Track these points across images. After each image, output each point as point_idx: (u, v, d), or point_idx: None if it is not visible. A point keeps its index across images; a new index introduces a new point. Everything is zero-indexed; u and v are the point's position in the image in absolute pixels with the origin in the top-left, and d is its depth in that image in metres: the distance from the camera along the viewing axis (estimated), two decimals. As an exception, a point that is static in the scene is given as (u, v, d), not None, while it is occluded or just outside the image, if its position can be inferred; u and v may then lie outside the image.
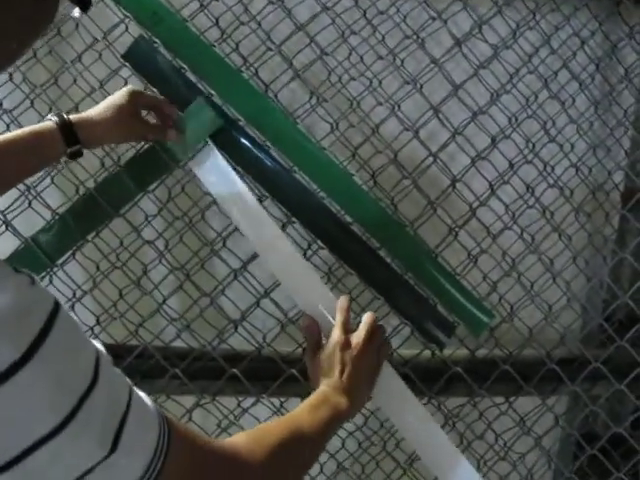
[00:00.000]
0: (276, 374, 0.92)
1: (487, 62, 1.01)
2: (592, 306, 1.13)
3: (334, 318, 0.76)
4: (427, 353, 0.95)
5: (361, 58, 0.99)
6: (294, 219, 0.90)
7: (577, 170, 1.06)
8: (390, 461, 1.01)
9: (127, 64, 0.89)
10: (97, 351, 0.42)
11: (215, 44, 0.92)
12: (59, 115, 0.74)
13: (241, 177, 0.87)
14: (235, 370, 0.89)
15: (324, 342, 0.75)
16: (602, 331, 1.08)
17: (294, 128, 0.92)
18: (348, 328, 0.74)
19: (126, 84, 0.92)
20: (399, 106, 0.98)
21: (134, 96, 0.77)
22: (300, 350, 0.95)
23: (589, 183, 1.07)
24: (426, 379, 0.95)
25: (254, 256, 0.91)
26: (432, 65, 0.99)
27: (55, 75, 0.90)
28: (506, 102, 1.04)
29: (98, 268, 0.92)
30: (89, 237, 0.90)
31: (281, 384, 0.91)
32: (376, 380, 0.76)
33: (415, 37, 0.98)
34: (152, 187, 0.91)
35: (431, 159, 0.98)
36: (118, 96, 0.77)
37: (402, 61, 0.99)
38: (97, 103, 0.91)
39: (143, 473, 0.42)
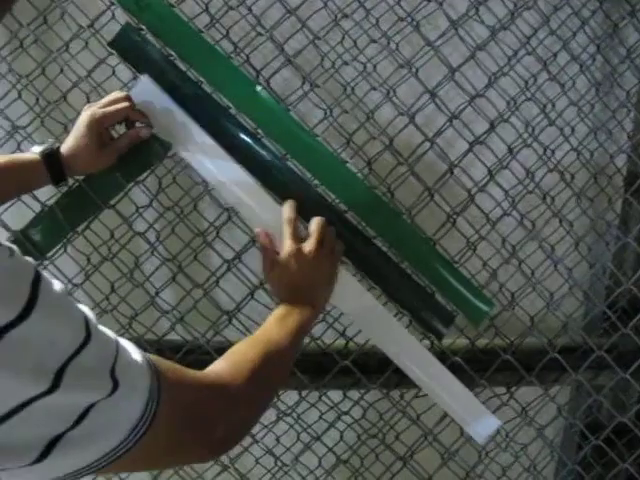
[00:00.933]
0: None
1: (484, 44, 0.98)
2: (595, 293, 1.10)
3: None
4: (426, 343, 0.93)
5: (354, 42, 0.97)
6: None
7: (578, 154, 1.03)
8: (389, 454, 1.00)
9: (114, 52, 0.87)
10: (85, 313, 0.43)
11: (204, 30, 0.90)
12: (47, 154, 0.76)
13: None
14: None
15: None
16: (605, 319, 1.06)
17: (286, 115, 0.89)
18: (298, 237, 0.77)
19: (114, 72, 0.90)
20: (394, 91, 0.95)
21: (95, 124, 0.76)
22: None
23: (590, 167, 1.04)
24: (425, 369, 0.93)
25: (248, 247, 0.90)
26: (428, 48, 0.96)
27: (42, 65, 0.88)
28: (504, 85, 1.01)
29: (89, 261, 0.91)
30: (80, 229, 0.89)
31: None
32: (335, 280, 0.79)
33: (410, 20, 0.95)
34: (142, 177, 0.89)
35: (428, 145, 0.95)
36: (81, 127, 0.77)
37: (397, 45, 0.96)
38: (85, 93, 0.91)
39: (141, 413, 0.43)
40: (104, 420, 0.41)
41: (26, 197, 0.89)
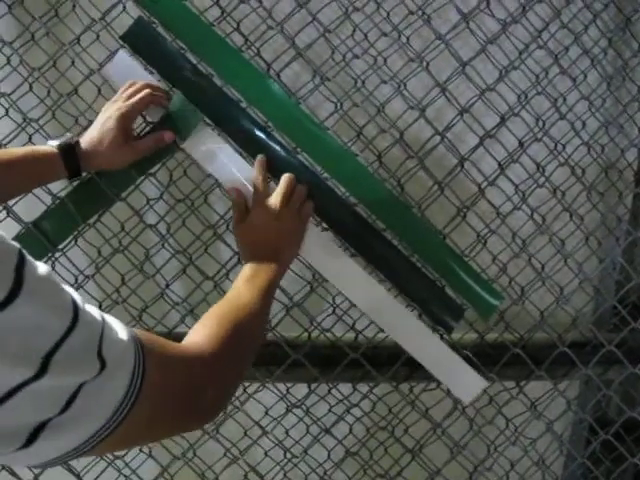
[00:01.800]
0: (281, 359, 0.90)
1: (495, 38, 0.98)
2: (605, 288, 1.10)
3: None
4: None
5: (365, 35, 0.97)
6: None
7: (589, 148, 1.03)
8: (398, 447, 1.00)
9: (126, 45, 0.87)
10: (71, 295, 0.42)
11: (215, 23, 0.90)
12: (65, 148, 0.76)
13: (241, 156, 0.86)
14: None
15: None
16: (615, 314, 1.06)
17: (297, 109, 0.90)
18: (265, 194, 0.79)
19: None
20: (405, 84, 0.95)
21: (122, 120, 0.78)
22: (306, 335, 0.94)
23: (601, 162, 1.04)
24: (434, 363, 0.93)
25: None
26: (438, 42, 0.96)
27: (53, 58, 0.89)
28: (515, 79, 1.01)
29: (100, 253, 0.91)
30: (91, 222, 0.89)
31: (286, 369, 0.90)
32: (302, 237, 0.82)
33: (420, 13, 0.95)
34: (154, 170, 0.89)
35: (438, 139, 0.95)
36: (108, 124, 0.78)
37: (407, 38, 0.96)
38: (96, 86, 0.91)
39: (126, 391, 0.43)
40: (90, 402, 0.41)
41: (38, 189, 0.89)
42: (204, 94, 0.87)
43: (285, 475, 0.99)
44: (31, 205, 0.89)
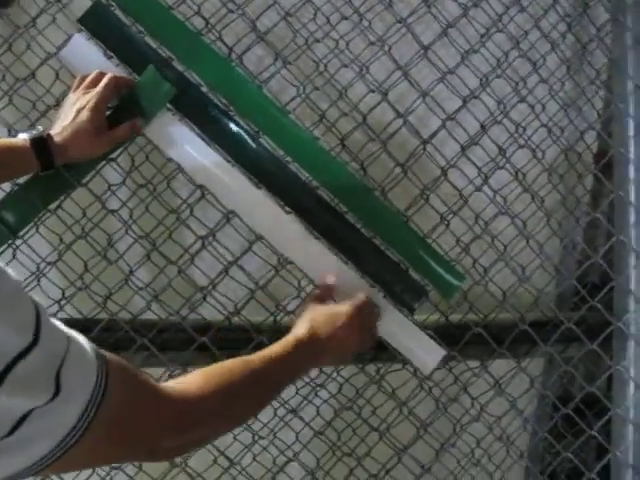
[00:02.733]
0: (247, 343, 0.91)
1: (456, 22, 0.99)
2: (566, 268, 1.13)
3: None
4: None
5: (327, 19, 0.97)
6: (261, 185, 0.89)
7: (549, 131, 1.05)
8: (367, 427, 1.01)
9: (83, 29, 0.86)
10: (36, 306, 0.41)
11: (175, 7, 0.89)
12: (37, 141, 0.75)
13: (204, 142, 0.86)
14: (205, 339, 0.88)
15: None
16: (576, 293, 1.09)
17: (259, 92, 0.90)
18: (361, 311, 0.81)
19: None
20: (367, 68, 0.96)
21: (95, 112, 0.77)
22: (271, 319, 0.94)
23: (561, 144, 1.06)
24: (399, 344, 0.94)
25: (221, 223, 0.90)
26: (400, 25, 0.96)
27: (8, 40, 0.87)
28: (477, 63, 1.02)
29: (62, 240, 0.90)
30: (52, 208, 0.88)
31: (252, 351, 0.90)
32: (343, 359, 0.86)
33: (381, -2, 0.96)
34: (115, 155, 0.88)
35: (400, 122, 0.96)
36: (81, 117, 0.77)
37: (369, 22, 0.97)
38: (54, 70, 0.90)
39: (78, 419, 0.42)
40: (40, 426, 0.40)
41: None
42: (164, 78, 0.86)
43: (254, 458, 1.00)
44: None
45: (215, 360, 0.88)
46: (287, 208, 0.89)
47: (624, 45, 1.08)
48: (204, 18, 0.91)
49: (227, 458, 0.98)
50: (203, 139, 0.87)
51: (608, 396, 1.06)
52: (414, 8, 0.99)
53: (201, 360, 0.91)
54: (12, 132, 0.88)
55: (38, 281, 0.90)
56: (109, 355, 0.47)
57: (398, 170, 0.95)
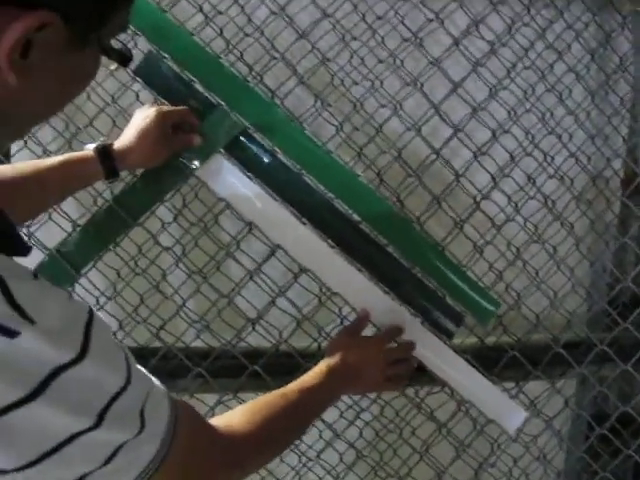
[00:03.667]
0: (294, 369, 0.95)
1: (484, 60, 1.04)
2: (596, 290, 1.16)
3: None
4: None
5: (362, 60, 1.02)
6: (304, 220, 0.94)
7: (576, 159, 1.09)
8: (407, 448, 1.05)
9: (138, 79, 0.92)
10: (125, 351, 0.46)
11: (221, 55, 0.96)
12: (101, 150, 0.79)
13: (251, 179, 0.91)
14: (256, 367, 0.93)
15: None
16: (607, 314, 1.12)
17: (301, 132, 0.95)
18: (390, 342, 0.88)
19: (138, 98, 0.96)
20: (401, 105, 1.01)
21: (162, 119, 0.82)
22: (315, 345, 0.99)
23: (589, 171, 1.10)
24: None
25: (268, 256, 0.95)
26: (432, 64, 1.02)
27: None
28: (504, 96, 1.07)
29: (119, 275, 0.96)
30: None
31: (299, 377, 0.95)
32: (368, 392, 0.92)
33: (413, 39, 1.01)
34: (167, 196, 0.94)
35: (434, 155, 1.01)
36: (146, 121, 0.81)
37: (402, 62, 1.02)
38: (111, 118, 0.96)
39: (154, 456, 0.46)
40: (126, 459, 0.44)
41: (56, 216, 0.94)
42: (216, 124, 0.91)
43: (300, 479, 1.05)
44: (51, 231, 0.95)
45: (265, 386, 0.94)
46: (330, 242, 0.94)
47: (647, 73, 1.12)
48: (248, 65, 0.97)
49: (275, 478, 1.03)
50: (249, 177, 0.93)
51: (642, 414, 1.09)
52: (443, 45, 1.04)
53: (251, 386, 0.96)
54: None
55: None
56: (176, 399, 0.51)
57: (434, 201, 0.99)
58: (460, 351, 0.99)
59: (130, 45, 0.95)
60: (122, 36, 0.95)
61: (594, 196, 1.10)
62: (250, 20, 0.97)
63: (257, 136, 0.94)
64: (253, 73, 0.97)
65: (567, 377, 1.08)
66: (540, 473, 1.10)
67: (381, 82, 1.02)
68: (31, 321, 0.38)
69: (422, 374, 0.98)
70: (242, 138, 0.93)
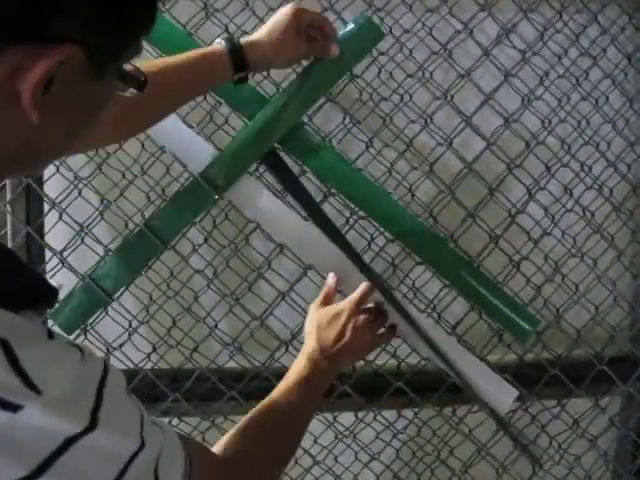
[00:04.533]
0: (329, 390, 0.94)
1: (516, 69, 1.01)
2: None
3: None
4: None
5: (390, 74, 1.01)
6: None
7: (615, 168, 1.05)
8: (445, 469, 1.03)
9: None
10: (140, 409, 0.44)
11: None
12: (229, 40, 0.75)
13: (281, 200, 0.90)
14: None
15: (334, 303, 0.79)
16: (652, 328, 1.08)
17: (329, 149, 0.94)
18: (361, 303, 0.78)
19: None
20: (431, 119, 0.99)
21: (298, 15, 0.77)
22: (350, 368, 0.97)
23: (629, 180, 1.06)
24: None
25: (300, 276, 0.94)
26: (461, 73, 0.99)
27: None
28: (538, 105, 1.04)
29: (151, 298, 0.96)
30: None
31: (334, 399, 0.93)
32: (362, 357, 0.82)
33: (442, 50, 0.99)
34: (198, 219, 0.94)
35: (466, 169, 0.99)
36: (282, 17, 0.77)
37: (431, 74, 1.00)
38: (140, 142, 0.96)
39: None
40: None
41: (88, 241, 0.95)
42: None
43: (336, 501, 1.03)
44: (84, 256, 0.95)
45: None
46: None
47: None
48: (275, 83, 0.96)
49: (311, 501, 1.01)
50: (279, 197, 0.92)
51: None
52: (473, 55, 1.02)
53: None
54: (104, 201, 0.95)
55: (129, 336, 0.96)
56: (189, 441, 0.50)
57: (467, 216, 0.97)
58: (498, 368, 0.97)
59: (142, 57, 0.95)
60: (145, 56, 0.95)
61: (635, 206, 1.06)
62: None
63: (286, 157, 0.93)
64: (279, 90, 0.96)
65: (611, 395, 1.05)
66: (586, 494, 1.06)
67: (410, 96, 1.00)
68: (37, 391, 0.36)
69: (460, 393, 0.96)
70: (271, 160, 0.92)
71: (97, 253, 0.95)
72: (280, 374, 0.95)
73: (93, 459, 0.39)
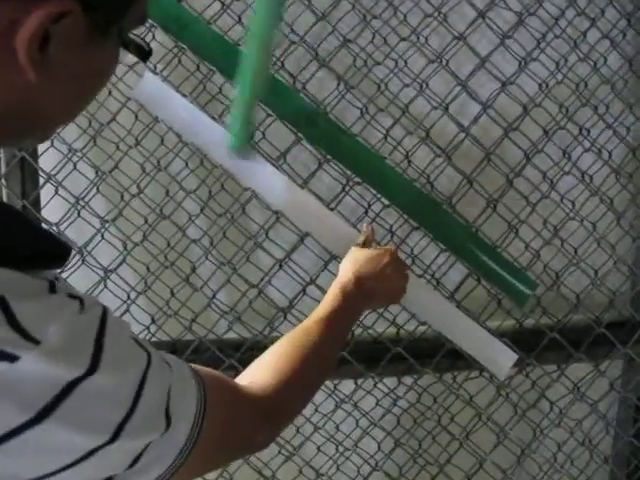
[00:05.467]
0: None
1: (512, 31, 1.00)
2: (640, 267, 1.11)
3: None
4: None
5: (384, 40, 0.99)
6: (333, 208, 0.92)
7: (614, 131, 1.04)
8: (446, 435, 1.03)
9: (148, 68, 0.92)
10: (148, 351, 0.44)
11: (239, 42, 0.94)
12: None
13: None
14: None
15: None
16: (652, 291, 1.07)
17: (324, 117, 0.93)
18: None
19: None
20: (427, 84, 0.98)
21: None
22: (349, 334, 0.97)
23: (628, 143, 1.05)
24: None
25: (296, 244, 0.94)
26: (456, 40, 0.98)
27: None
28: (535, 69, 1.02)
29: (149, 269, 0.96)
30: (137, 240, 0.94)
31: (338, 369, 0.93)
32: (394, 301, 0.79)
33: (437, 14, 0.97)
34: (193, 187, 0.94)
35: (463, 134, 0.98)
36: None
37: (426, 39, 0.99)
38: (133, 112, 0.96)
39: (186, 440, 0.45)
40: (154, 455, 0.43)
41: (85, 214, 0.95)
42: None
43: (338, 468, 1.04)
44: (80, 228, 0.95)
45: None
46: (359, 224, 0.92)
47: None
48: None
49: (312, 468, 1.02)
50: (276, 166, 0.91)
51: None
52: (468, 19, 1.00)
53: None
54: (99, 173, 0.94)
55: (128, 309, 0.96)
56: (203, 371, 0.49)
57: (464, 182, 0.96)
58: (498, 335, 0.96)
59: (148, 38, 0.94)
60: (139, 28, 0.94)
61: (634, 169, 1.05)
62: (268, 5, 0.95)
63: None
64: (274, 59, 0.95)
65: (611, 358, 1.04)
66: (586, 458, 1.07)
67: (405, 61, 0.99)
68: (35, 342, 0.36)
69: (459, 359, 0.96)
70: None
71: (93, 226, 0.95)
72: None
73: (97, 402, 0.40)
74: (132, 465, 0.42)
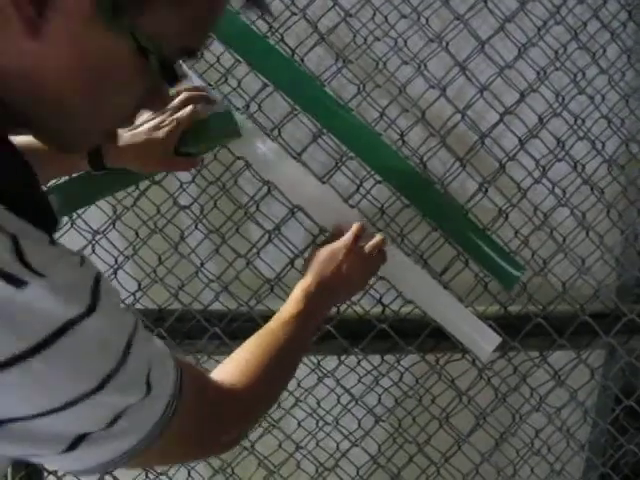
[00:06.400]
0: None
1: (513, 16, 1.00)
2: (627, 259, 1.12)
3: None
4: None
5: (385, 18, 0.99)
6: (325, 181, 0.92)
7: (609, 122, 1.04)
8: (427, 415, 1.04)
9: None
10: (133, 321, 0.44)
11: (240, 14, 0.93)
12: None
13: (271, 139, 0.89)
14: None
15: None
16: (638, 284, 1.08)
17: (322, 92, 0.93)
18: (357, 241, 0.78)
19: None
20: (425, 65, 0.98)
21: (169, 140, 0.74)
22: (335, 308, 0.98)
23: (621, 134, 1.05)
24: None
25: (286, 217, 0.94)
26: (457, 21, 0.98)
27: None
28: (534, 56, 1.02)
29: (137, 235, 0.96)
30: (128, 205, 0.94)
31: (318, 341, 0.94)
32: (359, 290, 0.80)
33: (439, -6, 0.97)
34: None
35: (459, 116, 0.98)
36: (156, 138, 0.73)
37: (427, 19, 0.98)
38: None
39: (161, 415, 0.46)
40: (131, 422, 0.43)
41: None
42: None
43: (317, 444, 1.04)
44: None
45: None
46: (351, 203, 0.92)
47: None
48: (267, 22, 0.95)
49: (292, 442, 1.02)
50: (270, 137, 0.91)
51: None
52: (471, 3, 1.00)
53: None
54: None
55: (115, 273, 0.96)
56: (179, 357, 0.50)
57: (457, 164, 0.97)
58: (483, 318, 0.97)
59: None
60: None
61: (626, 160, 1.06)
62: (270, -25, 0.95)
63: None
64: (273, 30, 0.95)
65: (594, 347, 1.05)
66: (563, 445, 1.08)
67: (405, 41, 0.99)
68: (41, 275, 0.37)
69: (443, 340, 0.96)
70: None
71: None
72: (265, 315, 0.97)
73: (91, 345, 0.40)
74: (110, 425, 0.42)
